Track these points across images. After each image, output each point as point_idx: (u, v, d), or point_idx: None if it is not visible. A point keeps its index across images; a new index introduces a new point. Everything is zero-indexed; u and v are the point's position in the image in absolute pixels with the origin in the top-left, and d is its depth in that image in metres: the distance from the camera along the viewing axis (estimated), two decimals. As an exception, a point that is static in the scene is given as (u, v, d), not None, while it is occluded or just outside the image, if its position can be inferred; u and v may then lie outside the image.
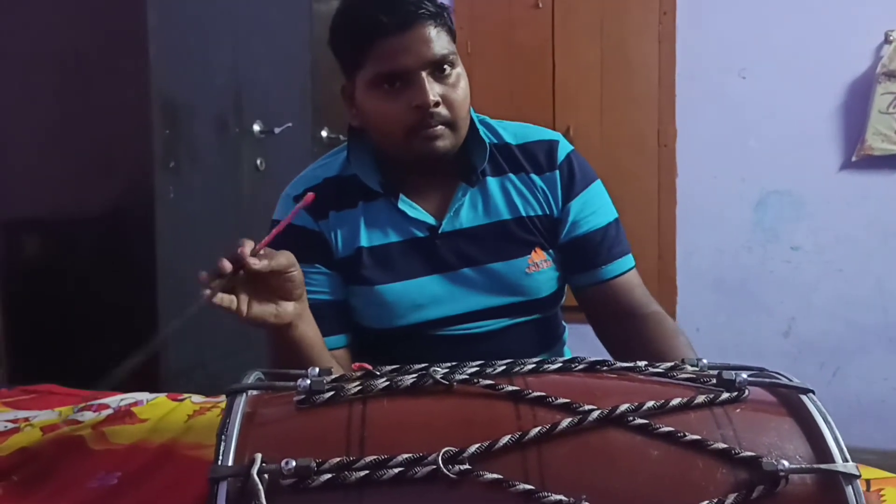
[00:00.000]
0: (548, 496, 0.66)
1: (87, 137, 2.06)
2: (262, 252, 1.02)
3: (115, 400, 1.43)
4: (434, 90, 1.20)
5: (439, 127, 1.22)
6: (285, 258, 1.05)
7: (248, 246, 1.00)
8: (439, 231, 1.30)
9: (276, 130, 2.43)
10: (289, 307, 1.08)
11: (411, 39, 1.18)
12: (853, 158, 3.02)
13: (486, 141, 1.31)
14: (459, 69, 1.25)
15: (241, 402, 0.73)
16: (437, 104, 1.20)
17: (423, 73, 1.19)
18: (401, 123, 1.21)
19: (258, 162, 2.39)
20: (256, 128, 2.39)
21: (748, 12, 3.09)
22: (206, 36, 2.21)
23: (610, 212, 1.37)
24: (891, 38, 2.92)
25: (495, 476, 0.67)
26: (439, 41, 1.20)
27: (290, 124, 2.47)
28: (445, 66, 1.22)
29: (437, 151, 1.23)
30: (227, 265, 0.99)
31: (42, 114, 2.10)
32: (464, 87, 1.24)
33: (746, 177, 3.15)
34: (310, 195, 1.08)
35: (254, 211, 2.26)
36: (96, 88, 2.03)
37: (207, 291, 0.97)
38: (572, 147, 1.38)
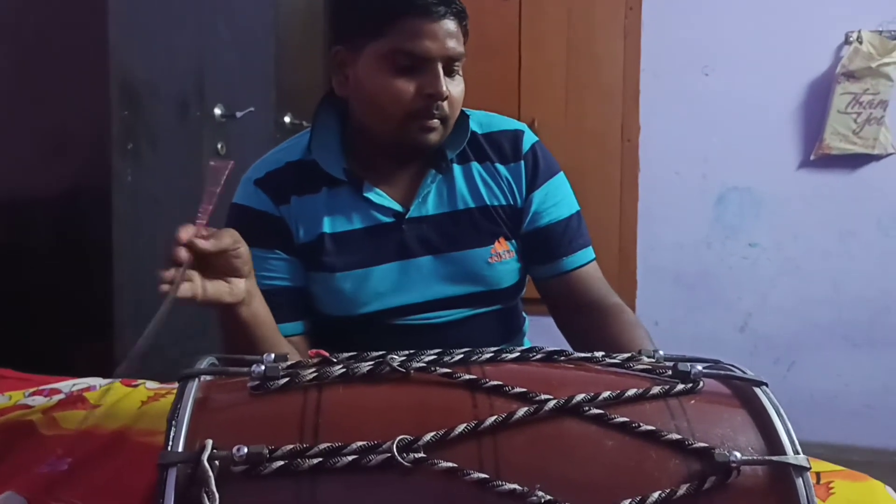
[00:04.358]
0: (502, 485, 0.66)
1: (43, 117, 2.01)
2: (204, 232, 1.01)
3: (67, 385, 1.40)
4: (445, 83, 1.20)
5: (436, 121, 1.22)
6: (229, 236, 1.04)
7: (191, 229, 0.99)
8: (406, 217, 1.29)
9: (238, 115, 2.39)
10: (241, 284, 1.07)
11: (441, 28, 1.19)
12: (811, 157, 3.07)
13: (470, 132, 1.32)
14: (461, 74, 1.26)
15: (192, 388, 0.72)
16: (445, 98, 1.21)
17: (439, 65, 1.20)
18: (404, 105, 1.20)
19: (219, 146, 2.35)
20: (218, 112, 2.36)
21: (712, 10, 3.12)
22: (168, 16, 2.17)
23: (572, 204, 1.38)
24: (851, 38, 2.97)
25: (450, 464, 0.67)
26: (460, 39, 1.22)
27: (252, 109, 2.43)
28: (456, 65, 1.23)
29: (427, 143, 1.24)
30: (185, 254, 0.98)
31: (-4, 92, 2.05)
32: (462, 90, 1.26)
33: (707, 173, 3.18)
34: (231, 163, 1.06)
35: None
36: (53, 67, 1.98)
37: (166, 286, 0.95)
38: (537, 138, 1.38)
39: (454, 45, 1.20)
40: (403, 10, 1.17)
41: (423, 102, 1.20)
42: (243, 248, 1.06)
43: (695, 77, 3.16)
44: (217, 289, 1.04)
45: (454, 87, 1.23)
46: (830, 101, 3.00)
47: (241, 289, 1.07)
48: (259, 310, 1.13)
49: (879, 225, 3.07)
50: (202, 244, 0.99)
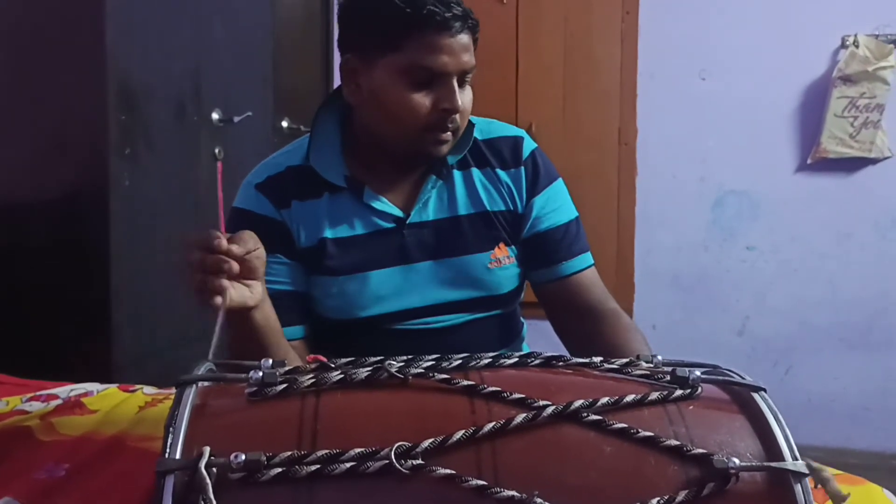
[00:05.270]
0: (500, 492, 0.66)
1: (41, 121, 2.01)
2: (225, 237, 1.01)
3: (65, 390, 1.40)
4: (459, 96, 1.21)
5: (449, 133, 1.23)
6: (252, 238, 1.05)
7: (223, 237, 1.00)
8: (407, 222, 1.30)
9: (236, 119, 2.39)
10: (258, 287, 1.07)
11: (457, 43, 1.19)
12: (808, 160, 3.07)
13: (473, 138, 1.33)
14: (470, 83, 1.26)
15: (190, 394, 0.72)
16: (459, 111, 1.21)
17: (454, 79, 1.20)
18: (420, 119, 1.20)
19: (216, 151, 2.35)
20: (215, 116, 2.35)
21: (709, 14, 3.12)
22: (165, 20, 2.16)
23: (571, 210, 1.38)
24: (847, 42, 2.97)
25: (448, 471, 0.66)
26: (473, 52, 1.22)
27: (249, 113, 2.43)
28: (468, 77, 1.23)
29: (440, 154, 1.25)
30: (236, 266, 0.99)
31: (-6, 95, 2.05)
32: (471, 99, 1.26)
33: (705, 176, 3.18)
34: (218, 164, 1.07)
35: (211, 200, 2.23)
36: (51, 70, 1.98)
37: (219, 299, 0.97)
38: (536, 144, 1.38)
39: (468, 58, 1.21)
40: (420, 25, 1.17)
41: (439, 116, 1.21)
42: (261, 250, 1.06)
43: (692, 81, 3.16)
44: (241, 293, 1.04)
45: (465, 98, 1.23)
46: (827, 104, 3.00)
47: (259, 291, 1.07)
48: (270, 313, 1.13)
49: (876, 227, 3.07)
50: (236, 250, 1.00)
